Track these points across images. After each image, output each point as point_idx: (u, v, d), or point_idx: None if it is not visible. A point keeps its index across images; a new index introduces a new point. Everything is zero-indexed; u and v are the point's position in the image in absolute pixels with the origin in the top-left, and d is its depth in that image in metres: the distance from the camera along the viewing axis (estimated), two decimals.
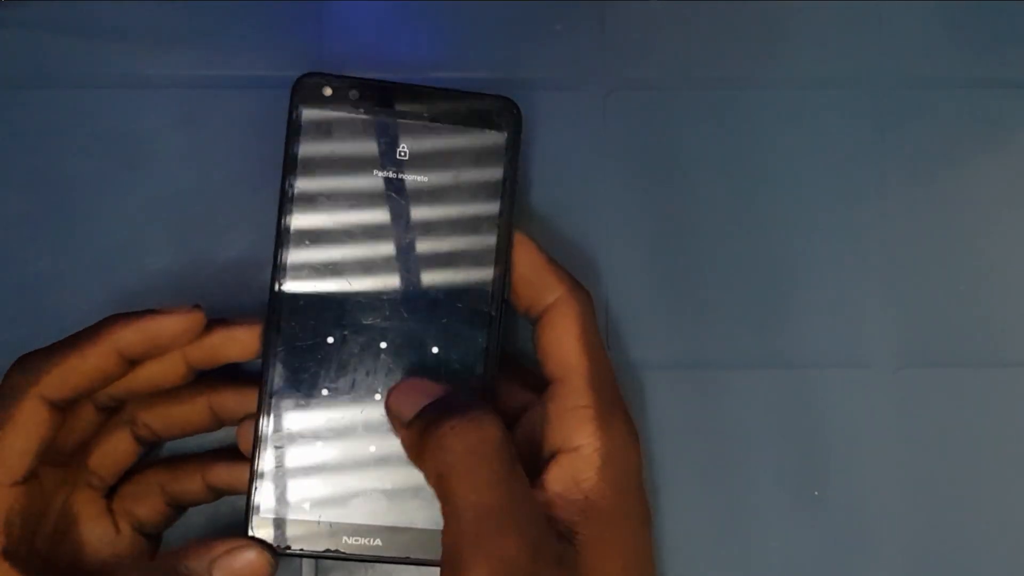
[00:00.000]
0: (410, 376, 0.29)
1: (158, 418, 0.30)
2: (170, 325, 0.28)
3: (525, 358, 0.33)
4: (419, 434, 0.26)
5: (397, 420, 0.28)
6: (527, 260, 0.29)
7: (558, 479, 0.27)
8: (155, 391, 0.30)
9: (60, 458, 0.29)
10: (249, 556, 0.27)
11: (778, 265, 0.34)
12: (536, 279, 0.29)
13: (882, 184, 0.34)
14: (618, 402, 0.29)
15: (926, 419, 0.33)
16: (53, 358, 0.28)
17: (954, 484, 0.33)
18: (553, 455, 0.27)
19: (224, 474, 0.30)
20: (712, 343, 0.34)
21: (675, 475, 0.33)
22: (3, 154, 0.34)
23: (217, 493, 0.31)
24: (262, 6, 0.34)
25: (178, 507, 0.31)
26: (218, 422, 0.31)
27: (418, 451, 0.26)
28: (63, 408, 0.28)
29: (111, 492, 0.31)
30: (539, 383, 0.29)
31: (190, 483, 0.30)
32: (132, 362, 0.28)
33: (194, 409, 0.30)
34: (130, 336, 0.28)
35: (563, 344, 0.28)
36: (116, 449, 0.30)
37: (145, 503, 0.30)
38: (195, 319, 0.28)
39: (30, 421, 0.27)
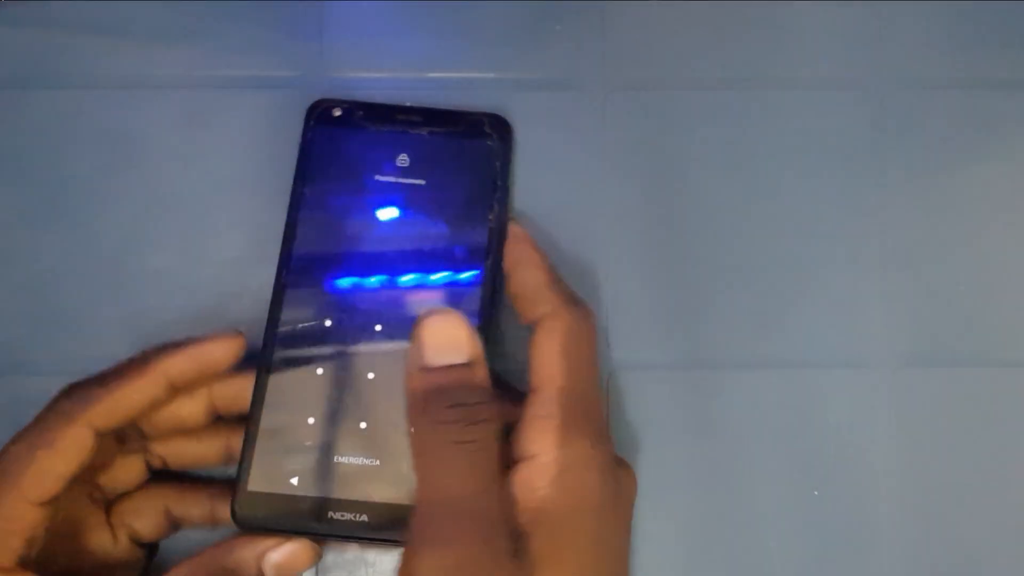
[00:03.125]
0: (450, 309, 0.27)
1: (174, 453, 0.31)
2: (216, 350, 0.29)
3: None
4: (421, 400, 0.26)
5: (416, 356, 0.26)
6: (530, 276, 0.30)
7: (516, 485, 0.27)
8: (176, 430, 0.30)
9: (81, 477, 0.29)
10: (294, 547, 0.28)
11: (778, 265, 0.34)
12: (534, 295, 0.30)
13: (882, 185, 0.34)
14: (591, 419, 0.28)
15: (925, 419, 0.34)
16: (105, 388, 0.28)
17: (954, 484, 0.33)
18: (517, 462, 0.27)
19: None
20: (712, 343, 0.34)
21: (674, 475, 0.33)
22: (4, 154, 0.34)
23: (220, 522, 0.31)
24: (263, 6, 0.34)
25: (178, 525, 0.32)
26: (231, 460, 0.31)
27: (412, 411, 0.26)
28: (105, 436, 0.28)
29: (109, 503, 0.31)
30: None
31: (197, 508, 0.31)
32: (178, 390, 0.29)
33: (211, 448, 0.31)
34: (180, 364, 0.29)
35: (543, 355, 0.28)
36: (128, 472, 0.31)
37: (146, 519, 0.31)
38: (238, 344, 0.29)
39: (73, 447, 0.27)
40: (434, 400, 0.26)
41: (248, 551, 0.28)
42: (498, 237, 0.31)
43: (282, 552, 0.28)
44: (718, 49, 0.35)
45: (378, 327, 0.31)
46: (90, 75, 0.34)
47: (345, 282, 0.31)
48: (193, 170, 0.34)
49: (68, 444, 0.27)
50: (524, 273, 0.30)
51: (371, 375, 0.30)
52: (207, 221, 0.34)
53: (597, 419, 0.28)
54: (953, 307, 0.34)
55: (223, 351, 0.29)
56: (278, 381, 0.30)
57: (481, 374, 0.26)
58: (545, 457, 0.26)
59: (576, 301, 0.29)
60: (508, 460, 0.28)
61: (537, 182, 0.34)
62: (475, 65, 0.34)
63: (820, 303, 0.34)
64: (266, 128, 0.33)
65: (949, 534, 0.33)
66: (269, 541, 0.28)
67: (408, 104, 0.33)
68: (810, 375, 0.34)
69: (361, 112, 0.33)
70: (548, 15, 0.35)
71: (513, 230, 0.32)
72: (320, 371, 0.30)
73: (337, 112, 0.33)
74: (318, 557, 0.29)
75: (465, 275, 0.31)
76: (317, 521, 0.29)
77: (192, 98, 0.34)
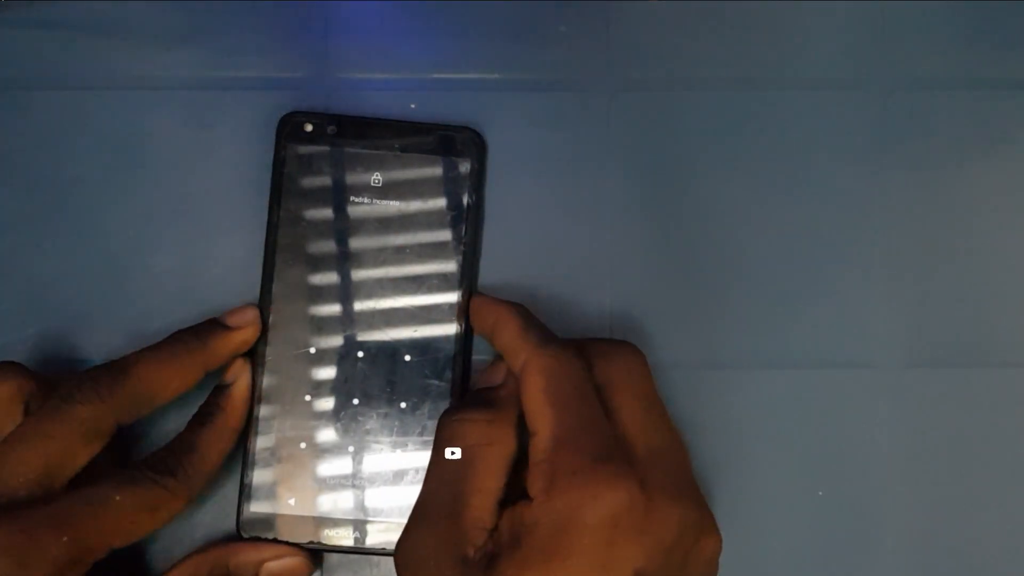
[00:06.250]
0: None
1: None
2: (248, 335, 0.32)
3: None
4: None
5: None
6: (505, 331, 0.30)
7: (507, 517, 0.27)
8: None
9: None
10: (291, 561, 0.31)
11: (781, 265, 0.34)
12: (511, 347, 0.30)
13: (885, 185, 0.34)
14: (602, 456, 0.27)
15: (930, 419, 0.34)
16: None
17: (958, 484, 0.33)
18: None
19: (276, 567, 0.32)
20: (716, 343, 0.34)
21: None
22: (6, 155, 0.34)
23: None
24: (267, 7, 0.34)
25: None
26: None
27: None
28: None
29: None
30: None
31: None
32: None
33: None
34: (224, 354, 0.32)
35: (529, 402, 0.28)
36: None
37: None
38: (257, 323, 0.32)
39: None
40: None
41: (249, 556, 0.31)
42: (471, 259, 0.32)
43: (280, 564, 0.31)
44: (723, 49, 0.35)
45: (360, 353, 0.32)
46: (93, 76, 0.34)
47: (325, 308, 0.32)
48: (197, 171, 0.34)
49: None
50: (500, 331, 0.30)
51: (356, 401, 0.32)
52: (211, 222, 0.34)
53: (599, 456, 0.27)
54: (957, 307, 0.34)
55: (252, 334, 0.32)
56: (269, 408, 0.32)
57: (497, 393, 0.30)
58: (535, 501, 0.27)
59: (546, 342, 0.29)
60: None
61: (542, 184, 0.34)
62: (480, 66, 0.34)
63: (823, 303, 0.34)
64: (270, 130, 0.33)
65: (953, 534, 0.33)
66: (269, 551, 0.31)
67: (379, 117, 0.33)
68: (814, 375, 0.34)
69: (333, 127, 0.33)
70: (553, 16, 0.35)
71: (473, 302, 0.32)
72: (308, 397, 0.32)
73: (308, 127, 0.33)
74: (313, 571, 0.32)
75: (440, 295, 0.32)
76: (314, 538, 0.31)
77: (196, 99, 0.34)
